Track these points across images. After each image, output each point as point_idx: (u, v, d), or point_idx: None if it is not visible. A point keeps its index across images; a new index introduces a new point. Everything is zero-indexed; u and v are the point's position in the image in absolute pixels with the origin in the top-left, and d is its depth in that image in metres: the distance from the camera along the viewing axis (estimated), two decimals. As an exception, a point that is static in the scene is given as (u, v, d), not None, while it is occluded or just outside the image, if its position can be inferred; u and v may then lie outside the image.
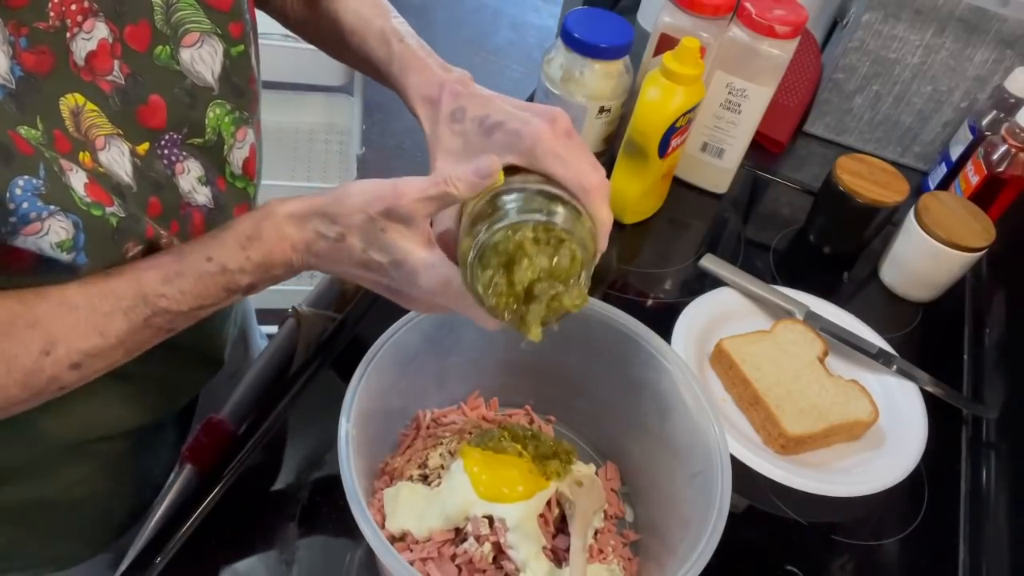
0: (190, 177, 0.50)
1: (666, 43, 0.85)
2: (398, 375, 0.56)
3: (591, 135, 0.89)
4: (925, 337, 0.85)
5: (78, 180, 0.41)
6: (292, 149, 1.67)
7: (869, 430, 0.71)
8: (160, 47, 0.46)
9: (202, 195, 0.52)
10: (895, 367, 0.76)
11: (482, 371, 0.64)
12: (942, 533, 0.68)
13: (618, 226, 0.90)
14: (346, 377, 0.50)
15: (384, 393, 0.54)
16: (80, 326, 0.44)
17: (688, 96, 0.79)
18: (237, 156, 0.54)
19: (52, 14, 0.40)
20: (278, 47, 1.28)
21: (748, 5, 0.83)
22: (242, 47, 0.51)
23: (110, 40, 0.44)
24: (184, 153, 0.50)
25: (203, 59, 0.49)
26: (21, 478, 0.59)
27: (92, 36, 0.43)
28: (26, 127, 0.39)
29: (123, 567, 0.56)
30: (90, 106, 0.43)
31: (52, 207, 0.40)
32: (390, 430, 0.61)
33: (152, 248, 0.47)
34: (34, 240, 0.40)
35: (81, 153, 0.42)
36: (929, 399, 0.74)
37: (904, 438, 0.70)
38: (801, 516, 0.66)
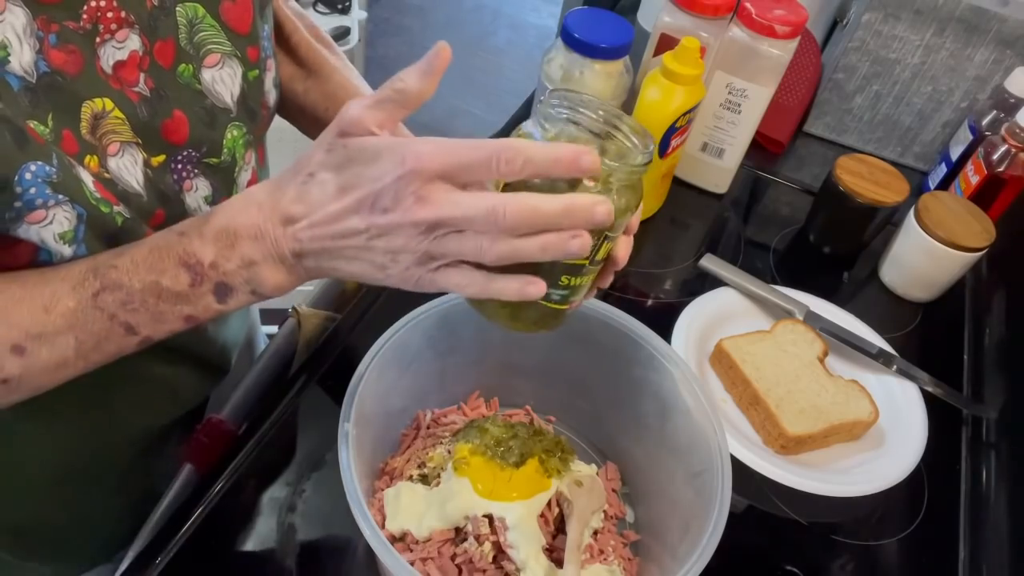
0: (197, 195, 0.51)
1: (666, 43, 0.85)
2: (398, 375, 0.56)
3: (591, 135, 0.89)
4: (925, 337, 0.85)
5: (88, 176, 0.41)
6: (292, 149, 1.67)
7: (869, 430, 0.71)
8: (183, 65, 0.47)
9: None
10: (895, 367, 0.76)
11: (482, 371, 0.64)
12: (942, 533, 0.68)
13: (618, 226, 0.89)
14: (346, 377, 0.50)
15: (384, 393, 0.54)
16: (26, 299, 0.41)
17: (688, 96, 0.79)
18: (243, 178, 0.54)
19: (85, 16, 0.40)
20: (278, 47, 1.28)
21: (748, 5, 0.83)
22: (257, 72, 0.52)
23: (140, 53, 0.44)
24: (196, 171, 0.50)
25: (223, 80, 0.49)
26: (21, 496, 0.59)
27: (124, 46, 0.43)
28: (35, 122, 0.39)
29: (123, 567, 0.56)
30: (116, 113, 0.43)
31: (61, 196, 0.40)
32: (390, 430, 0.61)
33: None
34: (37, 230, 0.40)
35: (88, 156, 0.42)
36: (929, 399, 0.74)
37: (904, 438, 0.70)
38: (801, 516, 0.66)
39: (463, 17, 3.02)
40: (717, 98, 0.88)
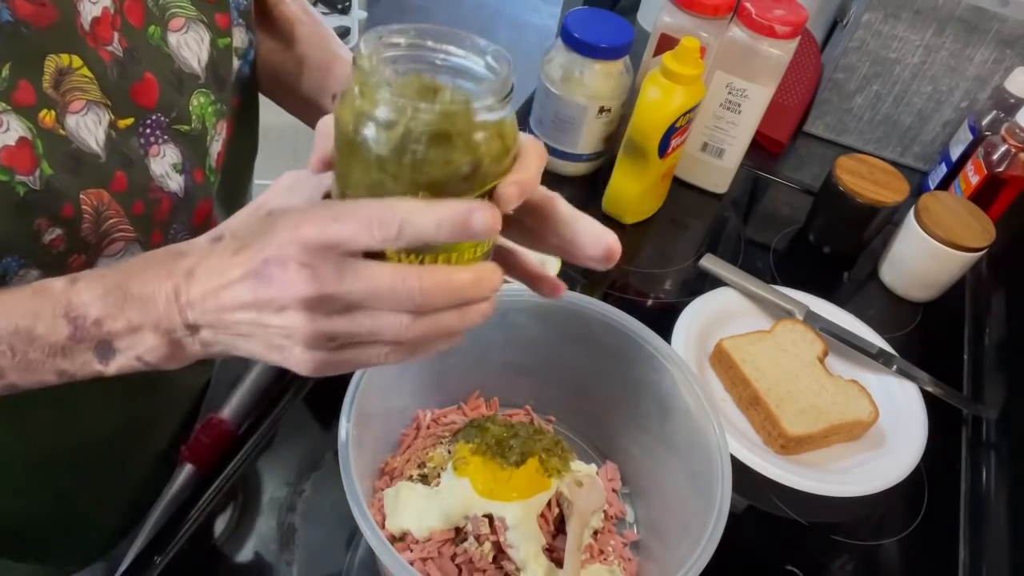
0: (164, 161, 0.49)
1: (666, 43, 0.85)
2: (398, 375, 0.56)
3: (591, 135, 0.89)
4: (925, 337, 0.85)
5: None
6: (292, 149, 1.66)
7: (869, 430, 0.71)
8: (152, 27, 0.47)
9: (175, 182, 0.50)
10: (895, 367, 0.76)
11: (482, 371, 0.64)
12: (942, 533, 0.68)
13: (618, 226, 0.90)
14: (346, 377, 0.50)
15: (384, 393, 0.54)
16: None
17: (688, 96, 0.79)
18: (214, 148, 0.53)
19: None
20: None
21: (748, 5, 0.82)
22: (228, 40, 0.51)
23: (112, 10, 0.44)
24: (165, 137, 0.49)
25: (188, 45, 0.49)
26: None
27: (98, 2, 0.43)
28: None
29: (123, 567, 0.56)
30: (85, 71, 0.43)
31: None
32: (390, 430, 0.61)
33: (70, 230, 0.43)
34: None
35: (44, 111, 0.41)
36: (929, 399, 0.74)
37: (904, 438, 0.70)
38: (801, 516, 0.66)
39: (463, 17, 3.02)
40: (717, 98, 0.88)
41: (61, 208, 0.43)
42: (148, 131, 0.48)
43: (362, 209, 0.33)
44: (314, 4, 2.04)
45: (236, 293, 0.35)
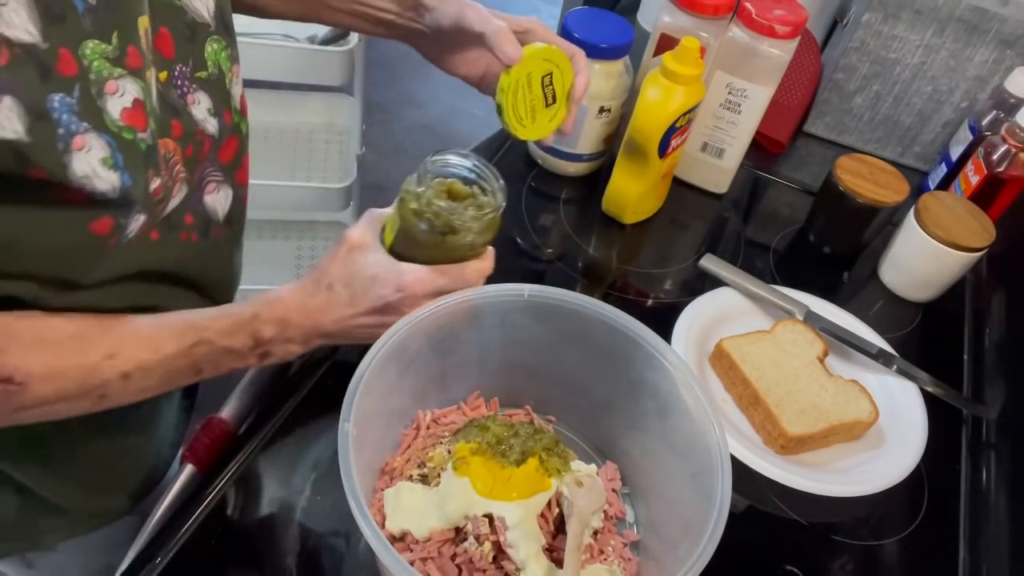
0: (201, 108, 0.53)
1: (666, 43, 0.85)
2: (398, 375, 0.56)
3: (591, 135, 0.89)
4: (925, 337, 0.85)
5: (115, 104, 0.43)
6: (292, 149, 1.66)
7: (869, 430, 0.71)
8: None
9: (212, 125, 0.54)
10: (895, 367, 0.76)
11: (482, 371, 0.64)
12: (942, 533, 0.68)
13: (618, 226, 0.90)
14: (346, 377, 0.50)
15: (384, 393, 0.54)
16: (142, 338, 0.51)
17: (688, 96, 0.79)
18: (236, 91, 0.57)
19: None
20: (278, 47, 1.28)
21: (748, 5, 0.83)
22: None
23: None
24: (194, 86, 0.52)
25: None
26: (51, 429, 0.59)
27: None
28: (96, 41, 0.41)
29: (123, 567, 0.56)
30: (149, 30, 0.46)
31: (85, 124, 0.41)
32: (390, 430, 0.61)
33: (160, 179, 0.48)
34: (86, 158, 0.42)
35: (149, 71, 0.45)
36: (929, 399, 0.74)
37: (904, 438, 0.70)
38: (801, 516, 0.66)
39: (463, 17, 3.02)
40: (717, 98, 0.88)
41: (157, 159, 0.47)
42: (180, 82, 0.51)
43: (454, 272, 0.57)
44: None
45: (364, 322, 0.57)
